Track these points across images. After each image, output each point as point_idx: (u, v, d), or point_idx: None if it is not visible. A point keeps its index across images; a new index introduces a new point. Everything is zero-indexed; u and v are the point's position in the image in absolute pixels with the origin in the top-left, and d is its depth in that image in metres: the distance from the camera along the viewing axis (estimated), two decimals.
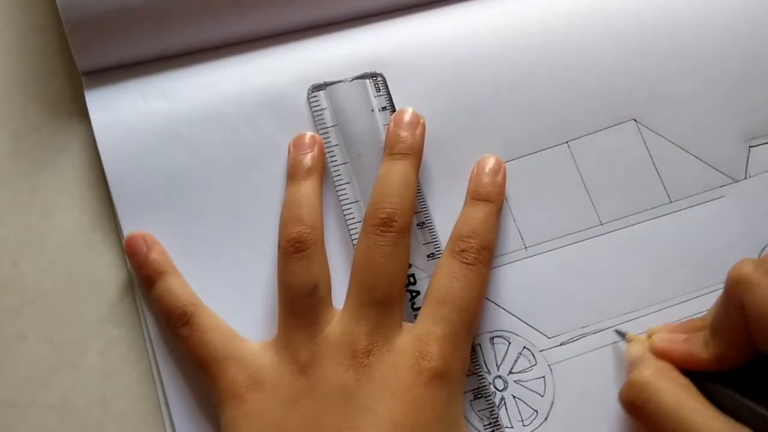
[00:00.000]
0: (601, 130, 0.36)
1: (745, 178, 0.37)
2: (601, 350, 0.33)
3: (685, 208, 0.36)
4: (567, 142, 0.36)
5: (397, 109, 0.35)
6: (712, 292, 0.35)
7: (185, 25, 0.35)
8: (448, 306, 0.31)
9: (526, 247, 0.35)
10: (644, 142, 0.36)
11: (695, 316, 0.34)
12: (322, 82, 0.35)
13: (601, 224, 0.35)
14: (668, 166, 0.36)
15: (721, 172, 0.37)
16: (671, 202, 0.36)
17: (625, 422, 0.32)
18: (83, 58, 0.35)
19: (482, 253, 0.32)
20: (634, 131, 0.37)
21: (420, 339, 0.30)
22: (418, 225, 0.33)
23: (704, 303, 0.34)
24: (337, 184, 0.34)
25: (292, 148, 0.34)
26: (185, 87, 0.35)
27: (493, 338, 0.33)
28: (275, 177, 0.34)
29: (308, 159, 0.33)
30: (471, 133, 0.36)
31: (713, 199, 0.36)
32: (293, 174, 0.33)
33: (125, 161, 0.34)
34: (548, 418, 0.33)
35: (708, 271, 0.35)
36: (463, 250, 0.32)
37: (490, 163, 0.35)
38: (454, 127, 0.36)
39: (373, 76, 0.35)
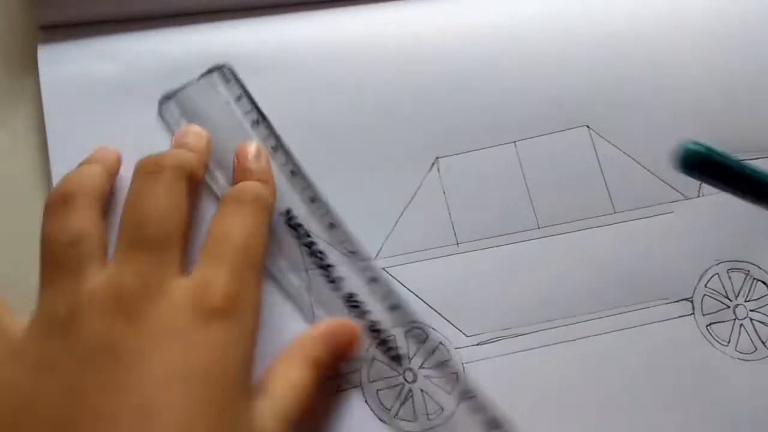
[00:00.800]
0: (551, 133, 0.36)
1: (698, 197, 0.35)
2: (515, 355, 0.33)
3: (628, 221, 0.35)
4: (515, 142, 0.36)
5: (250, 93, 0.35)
6: (643, 308, 0.34)
7: None
8: (227, 245, 0.29)
9: (457, 243, 0.35)
10: (595, 149, 0.36)
11: (624, 331, 0.33)
12: (167, 92, 0.35)
13: (539, 228, 0.35)
14: (617, 176, 0.35)
15: (673, 187, 0.36)
16: (615, 212, 0.35)
17: (528, 427, 0.32)
18: (42, 12, 0.35)
19: (258, 201, 0.31)
20: (586, 137, 0.36)
21: (200, 280, 0.28)
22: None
23: (634, 319, 0.34)
24: (210, 183, 0.34)
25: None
26: (138, 48, 0.36)
27: (409, 330, 0.33)
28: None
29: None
30: (396, 129, 0.35)
31: (661, 214, 0.35)
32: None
33: (67, 113, 0.34)
34: (454, 415, 0.33)
35: (642, 288, 0.34)
36: (236, 198, 0.31)
37: (252, 151, 0.33)
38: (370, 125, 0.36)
39: (219, 68, 0.35)
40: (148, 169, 0.30)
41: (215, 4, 0.37)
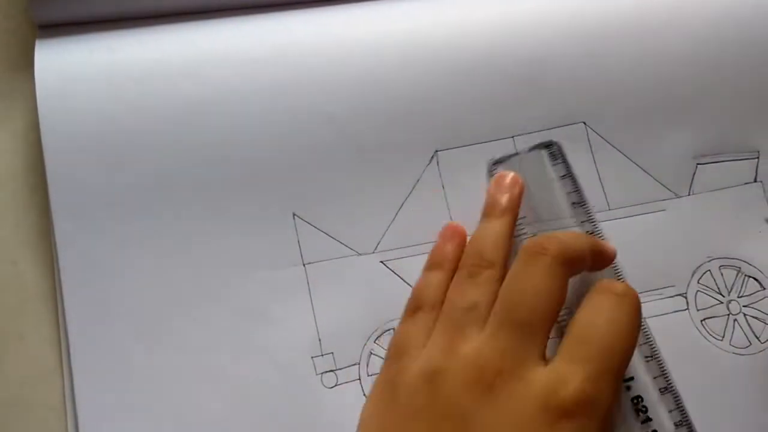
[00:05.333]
0: (548, 129, 0.36)
1: (689, 195, 0.36)
2: None
3: (622, 218, 0.35)
4: (513, 137, 0.36)
5: (575, 175, 0.35)
6: None
7: None
8: (592, 343, 0.29)
9: None
10: (590, 146, 0.36)
11: None
12: (498, 156, 0.35)
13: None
14: (612, 173, 0.36)
15: (664, 185, 0.36)
16: (609, 209, 0.35)
17: None
18: (39, 10, 0.34)
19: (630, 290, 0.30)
20: (582, 134, 0.36)
21: (557, 375, 0.28)
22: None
23: None
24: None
25: (492, 184, 0.34)
26: (133, 43, 0.35)
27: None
28: (208, 134, 0.34)
29: (505, 199, 0.33)
30: (396, 121, 0.35)
31: (652, 212, 0.36)
32: (488, 212, 0.33)
33: (60, 108, 0.33)
34: None
35: (637, 284, 0.34)
36: (609, 288, 0.30)
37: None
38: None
39: (548, 145, 0.35)
40: (532, 250, 0.30)
41: (213, 3, 0.36)
